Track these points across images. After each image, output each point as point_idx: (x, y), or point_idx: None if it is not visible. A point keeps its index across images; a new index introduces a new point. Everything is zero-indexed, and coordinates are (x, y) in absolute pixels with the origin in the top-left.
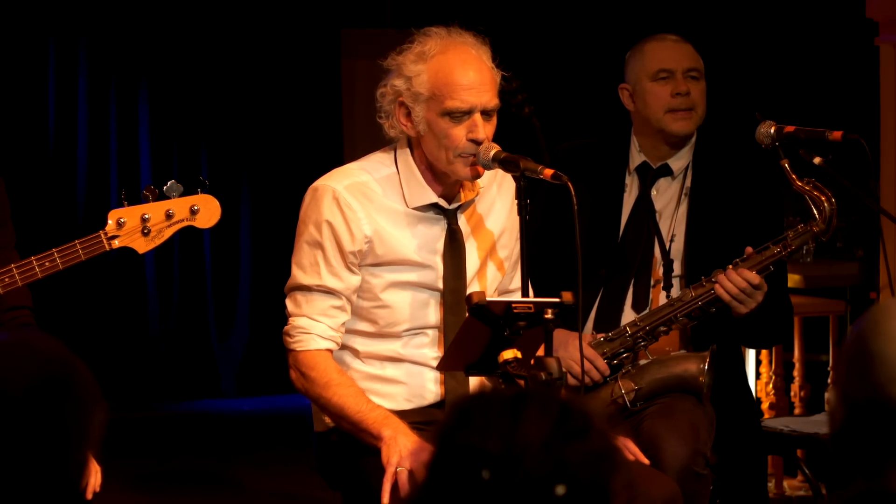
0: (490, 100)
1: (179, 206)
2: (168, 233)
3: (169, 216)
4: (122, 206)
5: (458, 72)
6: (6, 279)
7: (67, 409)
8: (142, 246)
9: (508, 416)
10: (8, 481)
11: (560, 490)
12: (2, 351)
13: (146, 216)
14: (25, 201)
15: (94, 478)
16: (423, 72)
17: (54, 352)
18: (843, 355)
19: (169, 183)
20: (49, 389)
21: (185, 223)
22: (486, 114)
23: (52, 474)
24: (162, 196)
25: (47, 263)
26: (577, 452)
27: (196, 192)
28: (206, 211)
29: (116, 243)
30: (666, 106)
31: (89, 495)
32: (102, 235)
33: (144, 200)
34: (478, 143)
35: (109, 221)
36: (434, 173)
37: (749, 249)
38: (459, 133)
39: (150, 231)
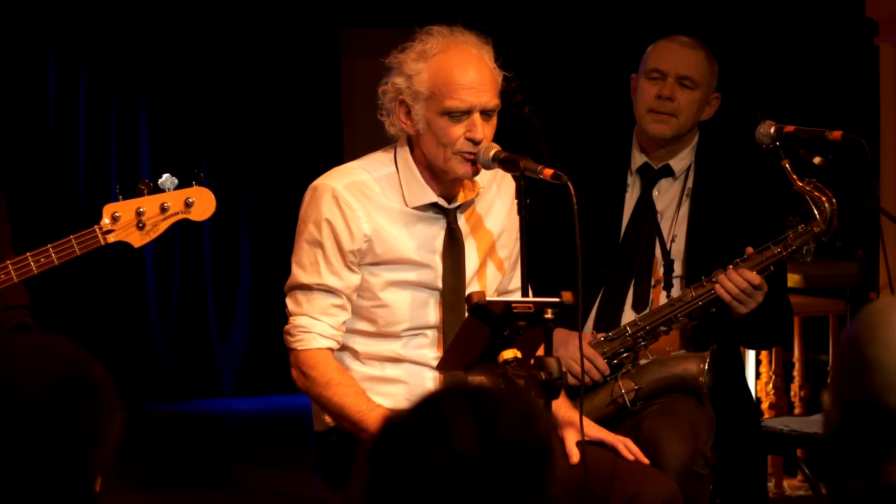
0: (490, 100)
1: (174, 199)
2: (163, 226)
3: (164, 209)
4: (116, 200)
5: (458, 71)
6: (2, 276)
7: (88, 410)
8: (137, 240)
9: (434, 427)
10: (24, 479)
11: (516, 466)
12: (24, 351)
13: (141, 210)
14: (26, 209)
15: None
16: (423, 70)
17: (76, 354)
18: (838, 358)
19: (164, 176)
20: (71, 390)
21: (181, 216)
22: (485, 114)
23: (66, 474)
24: (156, 189)
25: (42, 259)
26: (507, 424)
27: (191, 185)
28: (201, 203)
29: (111, 238)
30: (648, 105)
31: None
32: (97, 230)
33: (139, 194)
34: (476, 142)
35: (104, 216)
36: (433, 172)
37: (749, 250)
38: (457, 132)
39: (145, 225)
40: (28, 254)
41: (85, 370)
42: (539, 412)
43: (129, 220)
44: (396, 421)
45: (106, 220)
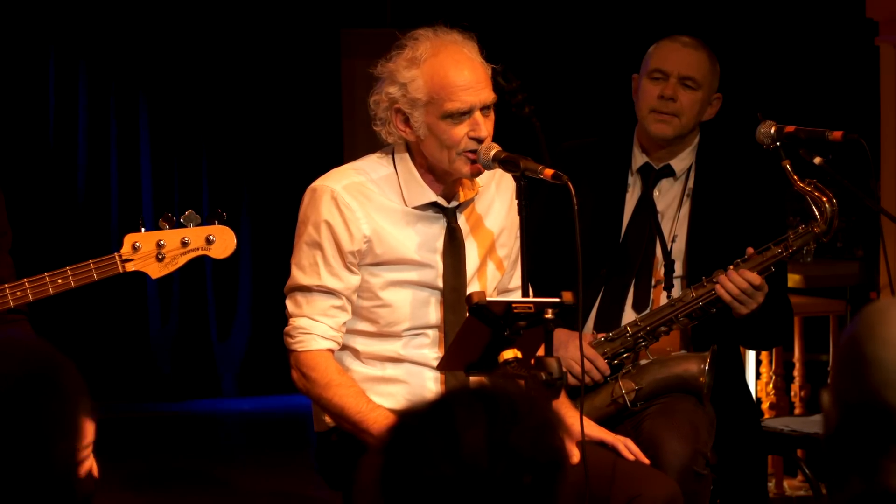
0: (487, 96)
1: (195, 235)
2: (182, 260)
3: (184, 244)
4: (138, 230)
5: (453, 73)
6: (18, 293)
7: (54, 403)
8: (155, 271)
9: (445, 434)
10: None
11: (526, 479)
12: None
13: (162, 242)
14: (27, 210)
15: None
16: (417, 77)
17: (37, 349)
18: (838, 357)
19: (187, 213)
20: (35, 385)
21: (200, 252)
22: (484, 109)
23: (41, 470)
24: (179, 224)
25: (60, 281)
26: (520, 436)
27: (213, 223)
28: (222, 241)
29: (130, 266)
30: (651, 105)
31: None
32: (117, 258)
33: (161, 227)
34: (480, 140)
35: (125, 245)
36: (435, 174)
37: (750, 250)
38: (461, 132)
39: (164, 257)
40: (46, 274)
41: (47, 363)
42: (556, 424)
43: (149, 252)
44: (409, 421)
45: (126, 249)
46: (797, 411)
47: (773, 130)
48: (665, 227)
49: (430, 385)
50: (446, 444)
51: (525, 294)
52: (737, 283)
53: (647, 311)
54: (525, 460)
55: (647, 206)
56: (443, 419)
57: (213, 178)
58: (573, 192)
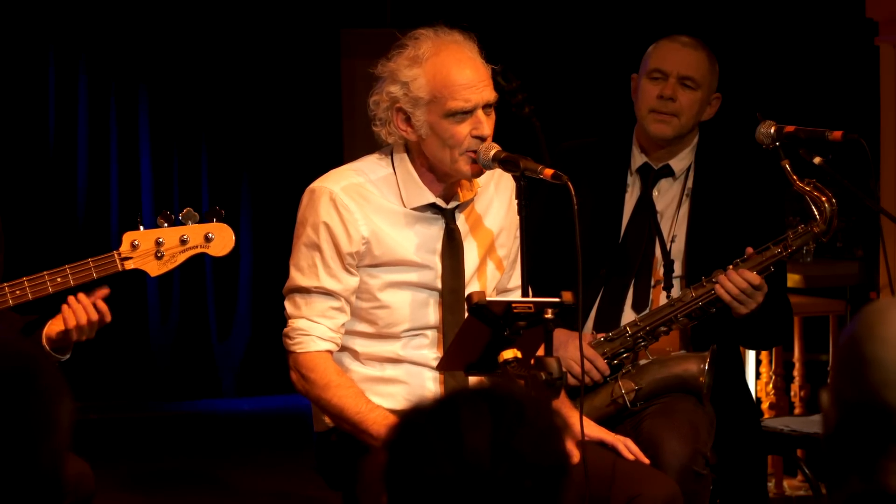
0: (489, 94)
1: (194, 233)
2: (181, 258)
3: (183, 242)
4: (137, 228)
5: (456, 72)
6: (17, 292)
7: (36, 401)
8: (154, 269)
9: (448, 433)
10: None
11: (527, 483)
12: None
13: (161, 240)
14: (25, 207)
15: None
16: (419, 76)
17: (13, 346)
18: (837, 357)
19: (185, 210)
20: (13, 383)
21: (199, 250)
22: (486, 107)
23: (25, 468)
24: (177, 222)
25: (59, 279)
26: (524, 439)
27: (211, 221)
28: (221, 239)
29: (129, 265)
30: (650, 105)
31: (108, 317)
32: (116, 256)
33: (159, 225)
34: (482, 139)
35: (124, 243)
36: (435, 175)
37: (749, 250)
38: (463, 131)
39: (163, 255)
40: (45, 273)
41: (24, 361)
42: (561, 429)
43: (148, 250)
44: (414, 419)
45: (125, 247)
46: (797, 411)
47: (772, 130)
48: (664, 227)
49: (429, 385)
50: (449, 443)
51: (525, 294)
52: (736, 283)
53: (647, 311)
54: (527, 464)
55: (646, 206)
56: (447, 418)
57: (214, 179)
58: (573, 192)
